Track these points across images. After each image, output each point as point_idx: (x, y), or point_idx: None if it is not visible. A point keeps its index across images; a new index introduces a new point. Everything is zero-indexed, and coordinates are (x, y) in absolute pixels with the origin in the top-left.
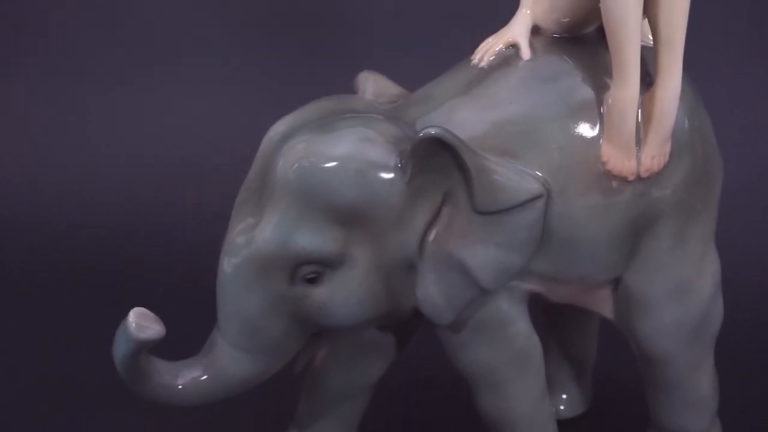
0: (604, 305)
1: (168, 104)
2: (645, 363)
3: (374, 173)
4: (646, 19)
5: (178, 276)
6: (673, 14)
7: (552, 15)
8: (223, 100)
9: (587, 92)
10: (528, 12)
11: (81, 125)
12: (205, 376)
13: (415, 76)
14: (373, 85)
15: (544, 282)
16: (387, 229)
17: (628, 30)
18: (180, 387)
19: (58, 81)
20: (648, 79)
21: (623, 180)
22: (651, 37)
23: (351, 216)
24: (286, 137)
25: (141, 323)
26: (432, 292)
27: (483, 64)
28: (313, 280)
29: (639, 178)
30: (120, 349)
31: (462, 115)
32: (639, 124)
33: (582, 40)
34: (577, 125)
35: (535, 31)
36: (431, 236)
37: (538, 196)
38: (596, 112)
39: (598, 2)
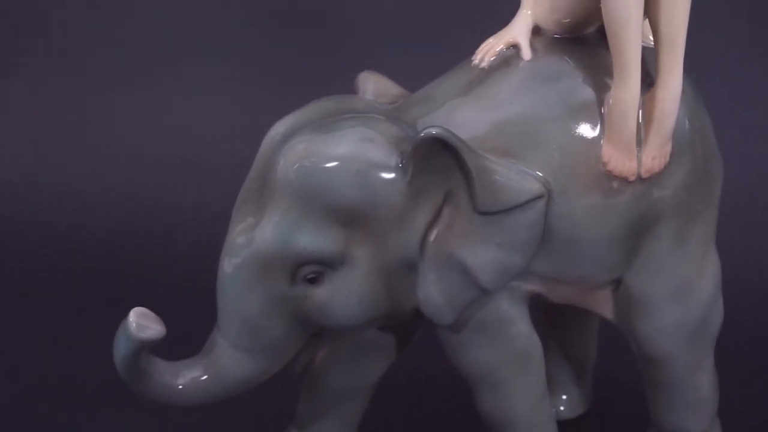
0: (604, 306)
1: (168, 104)
2: (645, 363)
3: (375, 173)
4: (647, 20)
5: (178, 276)
6: (674, 15)
7: (553, 16)
8: (223, 100)
9: (588, 93)
10: (529, 12)
11: (81, 125)
12: (205, 376)
13: (415, 76)
14: (373, 85)
15: (544, 282)
16: (388, 229)
17: (629, 31)
18: (180, 387)
19: (58, 81)
20: (648, 80)
21: (624, 180)
22: (651, 38)
23: (352, 216)
24: (287, 137)
25: (141, 323)
26: (433, 292)
27: (484, 64)
28: (313, 280)
29: (640, 179)
30: (120, 349)
31: (463, 116)
32: (640, 124)
33: (583, 41)
34: (578, 126)
35: (536, 31)
36: (432, 236)
37: (539, 197)
38: (597, 112)
39: (599, 3)
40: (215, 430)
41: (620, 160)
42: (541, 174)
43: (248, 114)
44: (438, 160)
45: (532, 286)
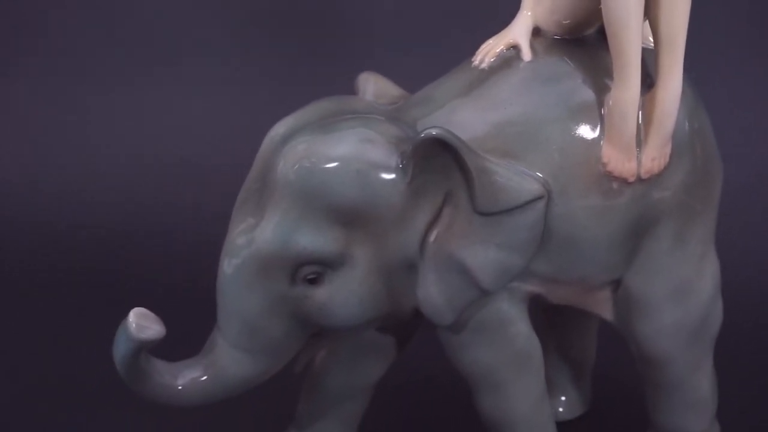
0: (603, 307)
1: (168, 104)
2: (644, 364)
3: (375, 174)
4: (647, 21)
5: (178, 276)
6: (674, 15)
7: (553, 17)
8: (223, 100)
9: (588, 94)
10: (529, 13)
11: (81, 125)
12: (205, 377)
13: (415, 76)
14: (373, 86)
15: (544, 283)
16: (388, 230)
17: (629, 32)
18: (180, 387)
19: (58, 81)
20: (648, 81)
21: (624, 181)
22: (651, 39)
23: (352, 216)
24: (287, 138)
25: (141, 323)
26: (432, 293)
27: (484, 65)
28: (313, 281)
29: (639, 180)
30: (120, 349)
31: (463, 116)
32: (639, 125)
33: (583, 42)
34: (578, 126)
35: (536, 32)
36: (432, 237)
37: (539, 197)
38: (597, 113)
39: (599, 4)
40: (215, 430)
41: (620, 161)
42: (540, 175)
43: (248, 114)
44: (438, 160)
45: (532, 287)
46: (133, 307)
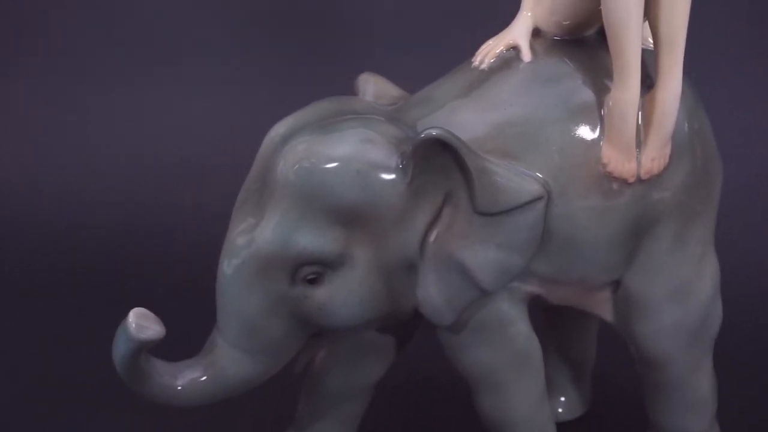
0: (603, 307)
1: (168, 104)
2: (644, 365)
3: (375, 174)
4: (646, 22)
5: (178, 276)
6: (674, 16)
7: (553, 17)
8: (223, 100)
9: (588, 94)
10: (529, 14)
11: (81, 125)
12: (204, 377)
13: (415, 76)
14: (373, 86)
15: (544, 283)
16: (388, 230)
17: (629, 32)
18: (180, 387)
19: (58, 81)
20: (648, 82)
21: (623, 182)
22: (651, 40)
23: (352, 216)
24: (287, 138)
25: (141, 323)
26: (432, 293)
27: (484, 66)
28: (313, 281)
29: (639, 180)
30: (120, 350)
31: (463, 117)
32: (639, 126)
33: (582, 43)
34: (578, 127)
35: (536, 33)
36: (432, 237)
37: (539, 198)
38: (597, 114)
39: (599, 5)
40: (215, 430)
41: (620, 162)
42: (540, 175)
43: (248, 114)
44: (438, 160)
45: (532, 287)
46: (133, 307)
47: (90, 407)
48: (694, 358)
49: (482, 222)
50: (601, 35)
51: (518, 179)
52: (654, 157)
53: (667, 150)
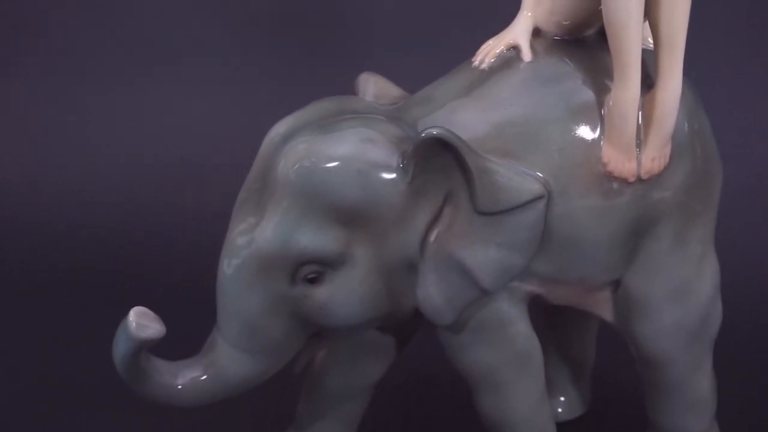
0: (603, 307)
1: (168, 104)
2: (644, 365)
3: (376, 173)
4: (646, 22)
5: (178, 276)
6: (674, 16)
7: (553, 17)
8: (223, 100)
9: (588, 94)
10: (529, 14)
11: (81, 125)
12: (204, 376)
13: (415, 76)
14: (373, 86)
15: (544, 283)
16: (388, 229)
17: (629, 32)
18: (180, 387)
19: (58, 81)
20: (648, 82)
21: (624, 181)
22: (651, 41)
23: (352, 216)
24: (287, 138)
25: (141, 322)
26: (432, 293)
27: (484, 65)
28: (314, 280)
29: (639, 180)
30: (120, 349)
31: (463, 117)
32: (639, 126)
33: (583, 43)
34: (578, 127)
35: (536, 33)
36: (432, 236)
37: (539, 197)
38: (597, 113)
39: (599, 5)
40: (215, 430)
41: (620, 161)
42: (541, 175)
43: (248, 114)
44: (439, 160)
45: (532, 287)
46: (133, 307)
47: (90, 407)
48: (694, 358)
49: (483, 221)
50: (602, 35)
51: (519, 179)
52: (654, 156)
53: (668, 150)
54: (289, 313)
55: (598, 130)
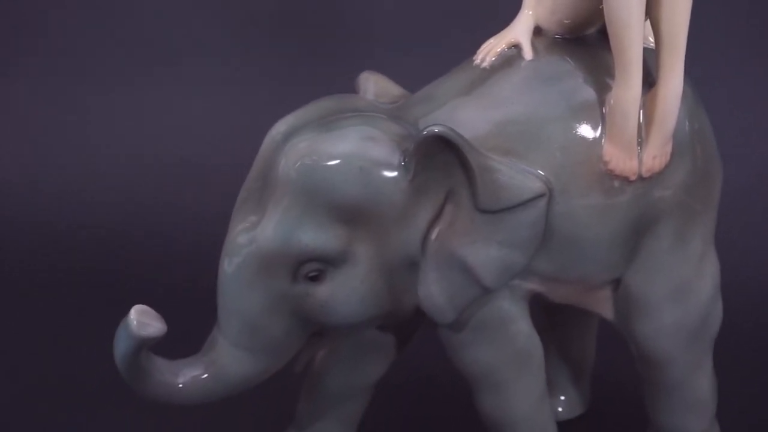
0: (603, 306)
1: (168, 104)
2: (644, 364)
3: (377, 171)
4: (647, 21)
5: (178, 276)
6: (675, 14)
7: (554, 16)
8: (223, 100)
9: (589, 92)
10: (530, 13)
11: (81, 125)
12: (205, 375)
13: (415, 76)
14: (374, 85)
15: (545, 281)
16: (389, 227)
17: (630, 31)
18: (180, 386)
19: (58, 81)
20: (649, 80)
21: (625, 180)
22: (651, 39)
23: (354, 214)
24: (288, 136)
25: (142, 320)
26: (434, 291)
27: (485, 64)
28: (315, 278)
29: (640, 178)
30: (121, 347)
31: (465, 115)
32: (640, 124)
33: (584, 41)
34: (579, 125)
35: (537, 32)
36: (434, 234)
37: (541, 195)
38: (598, 112)
39: (600, 3)
40: (215, 430)
41: (621, 160)
42: (542, 173)
43: (248, 114)
44: (440, 158)
45: (533, 285)
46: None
47: (90, 407)
48: (694, 357)
49: (484, 219)
50: (603, 34)
51: (520, 177)
52: (655, 155)
53: (669, 148)
54: (290, 311)
55: (600, 128)
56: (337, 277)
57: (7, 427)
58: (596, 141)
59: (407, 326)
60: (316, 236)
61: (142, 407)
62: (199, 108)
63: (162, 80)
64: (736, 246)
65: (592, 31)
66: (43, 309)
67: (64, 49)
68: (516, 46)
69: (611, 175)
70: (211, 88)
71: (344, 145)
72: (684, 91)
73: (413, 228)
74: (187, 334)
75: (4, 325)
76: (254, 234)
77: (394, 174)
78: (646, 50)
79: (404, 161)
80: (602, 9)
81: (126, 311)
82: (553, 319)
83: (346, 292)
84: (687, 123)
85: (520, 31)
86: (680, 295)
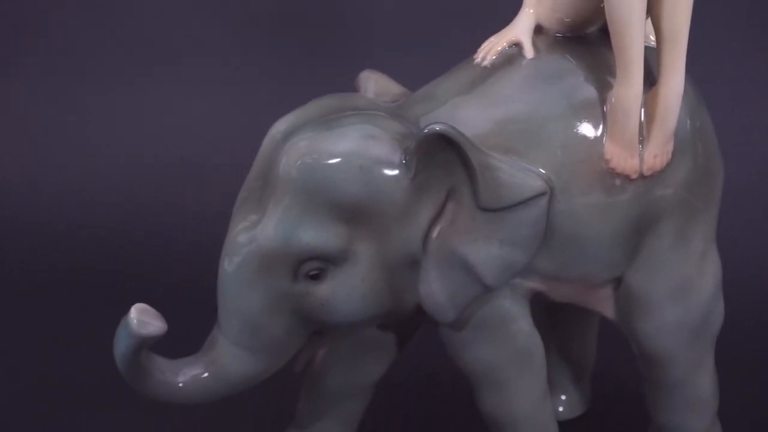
0: (605, 305)
1: (168, 104)
2: (646, 363)
3: (378, 170)
4: (649, 19)
5: (178, 276)
6: (676, 13)
7: (555, 14)
8: (223, 100)
9: (590, 91)
10: (531, 11)
11: (81, 125)
12: (205, 374)
13: (415, 75)
14: (374, 84)
15: (546, 280)
16: (390, 226)
17: (632, 29)
18: (180, 385)
19: (58, 81)
20: (650, 79)
21: (626, 178)
22: (652, 38)
23: (355, 212)
24: (289, 135)
25: (143, 319)
26: (435, 289)
27: (486, 62)
28: (315, 277)
29: (642, 177)
30: (121, 346)
31: (466, 113)
32: (642, 122)
33: (585, 40)
34: (581, 123)
35: (538, 30)
36: (435, 233)
37: (542, 193)
38: (599, 110)
39: (601, 2)
40: (215, 430)
41: (623, 158)
42: (543, 171)
43: (248, 114)
44: (441, 156)
45: (534, 284)
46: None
47: (90, 407)
48: (695, 355)
49: (485, 218)
50: (604, 32)
51: (521, 175)
52: (657, 153)
53: (670, 146)
54: (290, 310)
55: (601, 126)
56: (337, 276)
57: (7, 427)
58: (597, 139)
59: (408, 325)
60: (317, 235)
61: (142, 407)
62: (199, 108)
63: (162, 80)
64: (738, 244)
65: (593, 29)
66: (43, 309)
67: (64, 49)
68: (517, 45)
69: (612, 173)
70: (211, 88)
71: (345, 143)
72: (685, 90)
73: (414, 226)
74: (187, 333)
75: (4, 325)
76: (255, 233)
77: (395, 172)
78: (647, 48)
79: (405, 159)
80: (603, 7)
81: (126, 311)
82: (553, 318)
83: (346, 291)
84: (688, 121)
85: (521, 29)
86: (681, 294)
